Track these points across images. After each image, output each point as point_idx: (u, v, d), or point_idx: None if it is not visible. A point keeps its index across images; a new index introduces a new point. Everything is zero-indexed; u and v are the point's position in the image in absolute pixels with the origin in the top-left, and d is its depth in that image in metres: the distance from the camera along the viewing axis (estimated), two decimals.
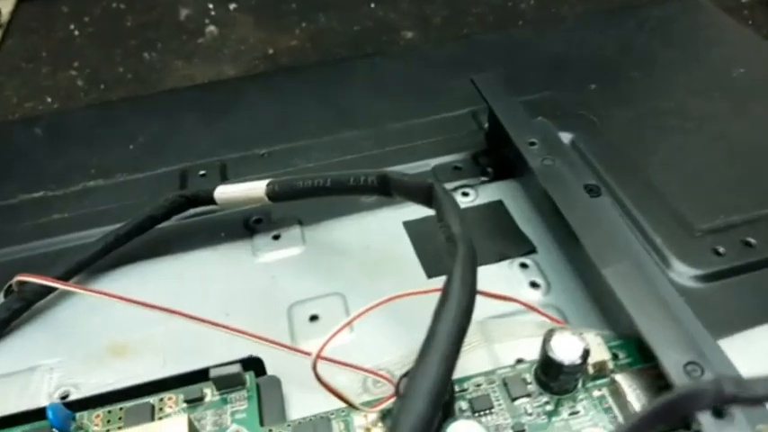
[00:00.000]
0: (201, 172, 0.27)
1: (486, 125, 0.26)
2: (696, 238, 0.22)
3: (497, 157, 0.25)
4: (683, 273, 0.21)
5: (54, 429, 0.17)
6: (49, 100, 0.40)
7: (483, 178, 0.25)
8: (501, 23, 0.43)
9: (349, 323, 0.17)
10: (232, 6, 0.47)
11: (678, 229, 0.22)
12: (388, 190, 0.20)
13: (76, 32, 0.46)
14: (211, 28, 0.45)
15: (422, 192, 0.18)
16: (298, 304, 0.21)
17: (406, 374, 0.15)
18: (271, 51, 0.43)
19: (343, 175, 0.20)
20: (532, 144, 0.22)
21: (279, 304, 0.21)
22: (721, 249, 0.21)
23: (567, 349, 0.16)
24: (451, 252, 0.15)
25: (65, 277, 0.21)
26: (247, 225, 0.24)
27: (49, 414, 0.17)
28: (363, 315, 0.16)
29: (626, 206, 0.23)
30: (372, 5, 0.45)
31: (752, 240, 0.21)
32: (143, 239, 0.23)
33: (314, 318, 0.21)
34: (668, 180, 0.24)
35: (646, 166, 0.25)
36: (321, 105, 0.30)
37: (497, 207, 0.24)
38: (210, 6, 0.47)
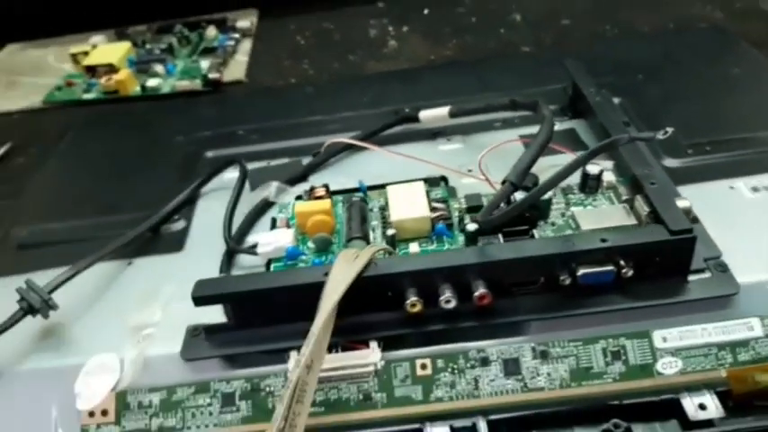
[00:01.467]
0: (406, 109, 0.48)
1: (570, 91, 0.46)
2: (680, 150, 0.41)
3: (575, 109, 0.45)
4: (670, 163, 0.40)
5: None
6: (293, 81, 0.64)
7: (564, 117, 0.45)
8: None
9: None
10: (405, 29, 0.69)
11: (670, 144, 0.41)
12: (518, 108, 0.40)
13: (302, 42, 0.70)
14: (392, 42, 0.67)
15: (534, 106, 0.39)
16: None
17: None
18: (432, 57, 0.65)
19: (492, 101, 0.41)
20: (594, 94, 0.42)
21: None
22: (690, 150, 0.40)
23: (593, 166, 0.35)
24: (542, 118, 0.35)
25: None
26: None
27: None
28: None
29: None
30: (502, 30, 0.66)
31: (708, 149, 0.40)
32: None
33: None
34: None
35: (659, 114, 0.44)
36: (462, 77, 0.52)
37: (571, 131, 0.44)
38: (390, 29, 0.69)
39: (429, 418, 0.30)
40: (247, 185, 0.42)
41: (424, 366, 0.31)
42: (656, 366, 0.30)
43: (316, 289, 0.29)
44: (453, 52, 0.64)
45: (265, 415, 0.30)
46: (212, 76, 0.64)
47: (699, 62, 0.50)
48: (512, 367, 0.30)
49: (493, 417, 0.30)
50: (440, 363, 0.31)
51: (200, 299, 0.30)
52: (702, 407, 0.29)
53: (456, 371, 0.30)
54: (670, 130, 0.29)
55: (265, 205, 0.40)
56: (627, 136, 0.31)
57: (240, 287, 0.30)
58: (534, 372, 0.30)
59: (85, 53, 0.70)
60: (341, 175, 0.41)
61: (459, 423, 0.30)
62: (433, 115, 0.44)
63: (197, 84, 0.64)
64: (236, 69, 0.67)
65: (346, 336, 0.31)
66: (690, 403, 0.29)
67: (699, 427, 0.29)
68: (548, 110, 0.36)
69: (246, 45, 0.71)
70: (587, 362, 0.30)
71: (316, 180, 0.42)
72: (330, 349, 0.31)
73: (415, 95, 0.50)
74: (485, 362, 0.30)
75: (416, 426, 0.30)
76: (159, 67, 0.67)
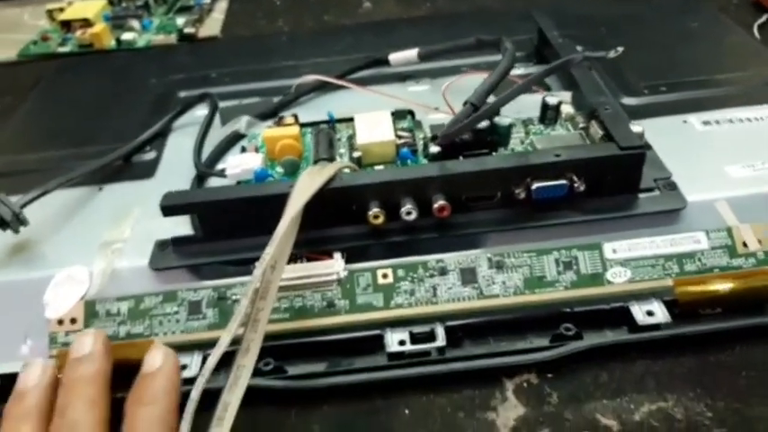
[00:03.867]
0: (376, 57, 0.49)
1: (536, 40, 0.47)
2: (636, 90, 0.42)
3: (540, 55, 0.47)
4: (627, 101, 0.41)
5: None
6: None
7: (530, 63, 0.47)
8: None
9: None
10: None
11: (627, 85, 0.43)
12: (483, 47, 0.41)
13: (278, 2, 0.71)
14: (367, 4, 0.68)
15: (497, 42, 0.40)
16: None
17: None
18: (405, 16, 0.65)
19: (459, 42, 0.42)
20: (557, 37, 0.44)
21: None
22: (646, 90, 0.42)
23: (552, 98, 0.37)
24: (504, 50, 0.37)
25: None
26: None
27: None
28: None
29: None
30: None
31: (663, 89, 0.42)
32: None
33: None
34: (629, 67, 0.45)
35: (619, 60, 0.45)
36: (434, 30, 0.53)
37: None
38: None
39: (390, 324, 0.31)
40: (219, 122, 0.43)
41: (385, 276, 0.32)
42: (605, 276, 0.31)
43: (281, 201, 0.30)
44: (426, 14, 0.65)
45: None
46: (188, 30, 0.65)
47: (660, 17, 0.52)
48: (468, 276, 0.32)
49: (450, 323, 0.31)
50: (400, 272, 0.32)
51: (168, 208, 0.31)
52: (650, 313, 0.31)
53: (415, 280, 0.32)
54: (620, 49, 0.30)
55: (236, 137, 0.41)
56: (580, 55, 0.32)
57: (207, 197, 0.31)
58: (490, 280, 0.31)
59: (61, 9, 0.70)
60: (312, 112, 0.42)
61: (418, 329, 0.31)
62: (403, 57, 0.45)
63: (172, 38, 0.65)
64: (212, 26, 0.67)
65: (312, 247, 0.32)
66: (638, 310, 0.31)
67: (646, 331, 0.30)
68: (510, 43, 0.37)
69: (223, 4, 0.72)
70: (540, 271, 0.31)
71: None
72: (295, 260, 0.32)
73: (387, 45, 0.51)
74: (443, 271, 0.32)
75: (377, 332, 0.31)
76: (135, 23, 0.68)
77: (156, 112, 0.46)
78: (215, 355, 0.27)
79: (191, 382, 0.26)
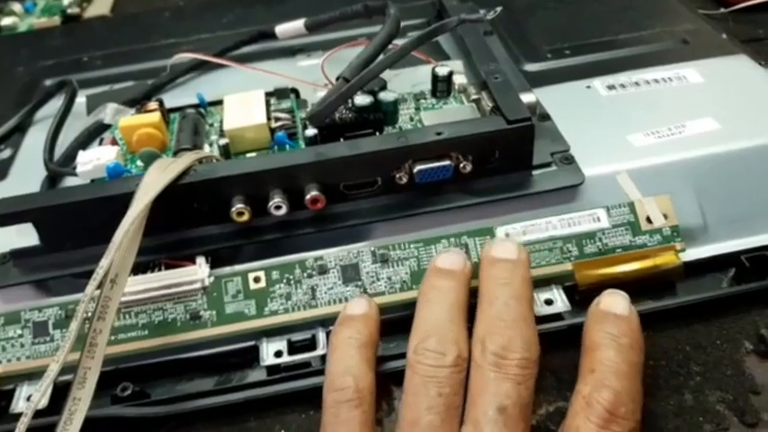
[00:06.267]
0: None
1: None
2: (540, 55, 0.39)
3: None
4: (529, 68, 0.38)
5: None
6: None
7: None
8: None
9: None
10: None
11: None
12: (372, 13, 0.37)
13: None
14: None
15: (383, 8, 0.36)
16: None
17: None
18: None
19: (346, 9, 0.39)
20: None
21: None
22: (549, 55, 0.39)
23: (442, 68, 0.33)
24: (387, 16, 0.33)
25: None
26: None
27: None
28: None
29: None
30: None
31: (567, 53, 0.39)
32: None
33: None
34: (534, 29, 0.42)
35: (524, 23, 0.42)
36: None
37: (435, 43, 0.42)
38: None
39: (265, 333, 0.28)
40: (86, 111, 0.38)
41: (257, 279, 0.28)
42: None
43: (127, 201, 0.26)
44: None
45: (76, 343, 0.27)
46: (71, 11, 0.59)
47: None
48: (351, 273, 0.28)
49: (332, 326, 0.28)
50: (274, 274, 0.28)
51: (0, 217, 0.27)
52: (549, 302, 0.28)
53: (292, 281, 0.28)
54: (499, 9, 0.27)
55: (100, 128, 0.36)
56: (456, 18, 0.29)
57: (41, 202, 0.27)
58: (374, 276, 0.28)
59: None
60: (188, 95, 0.38)
61: (297, 336, 0.28)
62: (291, 28, 0.41)
63: (56, 20, 0.59)
64: (102, 5, 0.61)
65: (170, 252, 0.28)
66: (536, 299, 0.28)
67: (546, 322, 0.28)
68: (395, 9, 0.33)
69: None
70: (428, 263, 0.28)
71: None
72: (153, 268, 0.28)
73: (280, 17, 0.47)
74: (322, 270, 0.28)
75: (252, 342, 0.28)
76: (17, 6, 0.61)
77: (18, 104, 0.41)
78: (42, 390, 0.23)
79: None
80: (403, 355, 0.25)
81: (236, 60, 0.40)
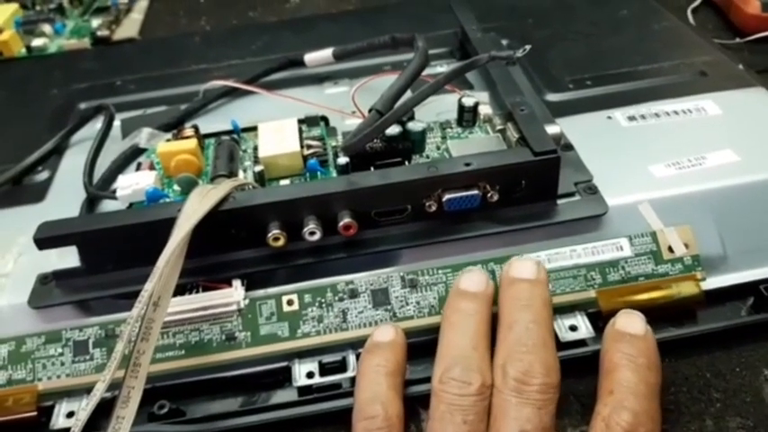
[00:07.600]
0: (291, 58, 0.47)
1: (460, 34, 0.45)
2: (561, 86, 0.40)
3: (464, 51, 0.44)
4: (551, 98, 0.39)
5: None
6: None
7: (453, 59, 0.44)
8: None
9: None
10: None
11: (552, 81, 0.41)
12: (398, 45, 0.39)
13: (202, 1, 0.67)
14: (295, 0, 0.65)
15: (411, 40, 0.37)
16: None
17: None
18: (333, 11, 0.62)
19: (374, 40, 0.40)
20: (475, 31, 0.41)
21: None
22: (571, 85, 0.40)
23: (468, 98, 0.35)
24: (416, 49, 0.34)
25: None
26: None
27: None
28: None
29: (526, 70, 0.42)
30: None
31: (589, 83, 0.40)
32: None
33: None
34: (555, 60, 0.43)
35: (545, 54, 0.43)
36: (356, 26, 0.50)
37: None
38: None
39: (297, 355, 0.29)
40: (121, 135, 0.39)
41: (290, 302, 0.29)
42: None
43: (168, 226, 0.27)
44: (355, 8, 0.63)
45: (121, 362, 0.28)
46: (101, 33, 0.61)
47: (588, 5, 0.50)
48: (380, 297, 0.29)
49: (362, 349, 0.29)
50: (307, 297, 0.29)
51: (43, 240, 0.28)
52: (573, 328, 0.29)
53: (324, 305, 0.29)
54: (528, 47, 0.28)
55: (136, 152, 0.37)
56: (486, 55, 0.30)
57: (85, 226, 0.28)
58: (403, 301, 0.29)
59: None
60: (221, 120, 0.39)
61: (328, 358, 0.29)
62: (319, 57, 0.43)
63: (85, 42, 0.61)
64: (130, 27, 0.63)
65: (208, 275, 0.29)
66: (560, 325, 0.29)
67: (569, 348, 0.28)
68: (423, 41, 0.35)
69: (143, 3, 0.68)
70: None
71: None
72: (190, 290, 0.29)
73: (307, 44, 0.48)
74: (353, 294, 0.29)
75: (284, 363, 0.29)
76: (47, 27, 0.63)
77: (54, 126, 0.42)
78: (88, 409, 0.24)
79: None
80: (430, 379, 0.26)
81: (266, 87, 0.42)
